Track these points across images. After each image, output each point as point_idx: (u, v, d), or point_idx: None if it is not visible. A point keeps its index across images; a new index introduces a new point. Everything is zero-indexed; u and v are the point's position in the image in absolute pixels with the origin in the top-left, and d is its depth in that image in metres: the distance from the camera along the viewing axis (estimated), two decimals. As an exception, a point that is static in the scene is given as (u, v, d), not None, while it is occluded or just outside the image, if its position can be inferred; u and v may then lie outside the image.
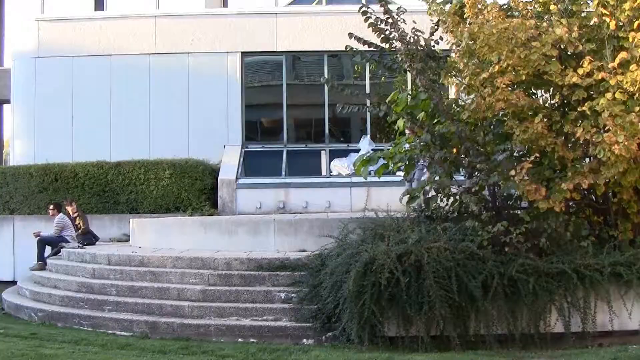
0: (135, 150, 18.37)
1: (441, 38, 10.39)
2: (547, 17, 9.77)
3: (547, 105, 9.87)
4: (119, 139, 19.33)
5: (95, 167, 17.63)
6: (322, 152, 19.04)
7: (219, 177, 17.69)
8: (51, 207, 15.61)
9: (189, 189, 17.35)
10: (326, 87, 19.04)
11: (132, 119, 19.49)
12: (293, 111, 19.71)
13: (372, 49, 10.54)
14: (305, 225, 12.28)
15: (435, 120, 10.39)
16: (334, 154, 18.78)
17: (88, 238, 15.34)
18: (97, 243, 15.45)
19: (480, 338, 8.88)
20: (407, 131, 11.27)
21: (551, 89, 9.84)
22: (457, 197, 9.97)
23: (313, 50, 19.67)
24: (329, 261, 9.78)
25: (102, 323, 10.66)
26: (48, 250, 15.00)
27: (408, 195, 10.39)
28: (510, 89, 9.41)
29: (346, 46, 10.56)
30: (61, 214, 15.42)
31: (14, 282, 15.26)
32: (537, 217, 9.18)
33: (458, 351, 8.62)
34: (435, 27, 10.42)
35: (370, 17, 10.20)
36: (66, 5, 24.01)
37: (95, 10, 24.18)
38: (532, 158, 9.19)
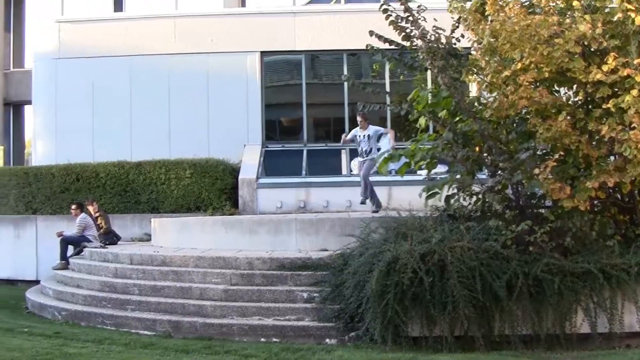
0: (156, 150, 18.43)
1: (462, 36, 10.33)
2: (569, 13, 9.63)
3: (570, 102, 9.77)
4: (140, 138, 19.42)
5: (117, 167, 17.70)
6: (343, 151, 18.94)
7: (240, 177, 17.70)
8: (74, 206, 15.68)
9: (210, 188, 17.36)
10: (346, 86, 19.08)
11: (152, 118, 19.60)
12: (313, 110, 19.70)
13: (393, 47, 10.50)
14: (326, 224, 12.25)
15: (457, 119, 10.31)
16: (354, 153, 18.66)
17: (110, 237, 15.40)
18: (118, 242, 15.51)
19: (504, 338, 8.80)
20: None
21: (575, 86, 9.73)
22: (480, 196, 9.90)
23: (332, 49, 19.64)
24: (351, 261, 9.73)
25: (125, 322, 10.69)
26: (71, 249, 15.09)
27: (427, 191, 10.32)
28: (533, 86, 9.31)
29: (367, 44, 10.54)
30: (83, 214, 15.50)
31: (37, 282, 15.37)
32: (561, 216, 9.09)
33: (482, 352, 8.57)
34: (456, 24, 10.36)
35: (391, 15, 10.16)
36: (86, 7, 24.14)
37: (114, 11, 24.26)
38: (556, 156, 9.10)
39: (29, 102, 22.29)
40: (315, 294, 10.07)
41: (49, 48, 20.39)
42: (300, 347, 8.99)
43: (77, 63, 19.96)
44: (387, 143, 17.21)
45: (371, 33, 10.30)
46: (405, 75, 18.98)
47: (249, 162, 18.23)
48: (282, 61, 20.39)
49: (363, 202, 14.29)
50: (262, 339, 9.62)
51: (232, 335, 9.78)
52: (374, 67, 19.95)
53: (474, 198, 10.02)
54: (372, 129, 14.27)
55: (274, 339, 9.58)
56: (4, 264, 18.01)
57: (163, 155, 18.00)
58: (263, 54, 19.76)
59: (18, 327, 11.05)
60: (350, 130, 17.13)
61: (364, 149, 14.21)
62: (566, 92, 9.97)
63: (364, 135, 14.20)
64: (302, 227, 12.35)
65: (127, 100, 19.73)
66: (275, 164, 18.58)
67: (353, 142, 14.62)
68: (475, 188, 9.97)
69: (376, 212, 13.79)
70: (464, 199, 10.10)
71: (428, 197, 10.24)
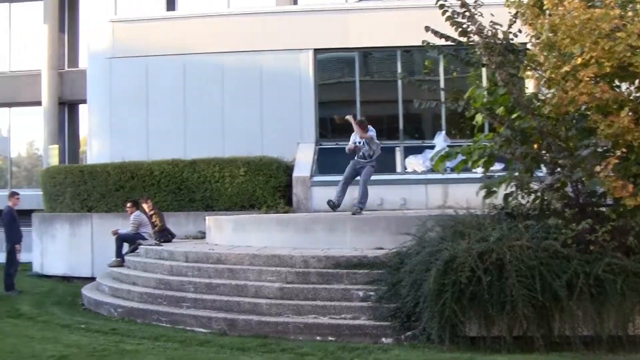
0: (209, 148, 18.53)
1: (520, 31, 10.14)
2: (631, 6, 9.38)
3: (632, 98, 9.51)
4: (193, 137, 19.59)
5: (171, 165, 17.78)
6: (397, 148, 18.76)
7: (294, 175, 17.67)
8: (129, 204, 15.86)
9: (264, 186, 17.35)
10: (400, 83, 18.95)
11: (205, 117, 19.74)
12: (366, 108, 19.52)
13: (449, 42, 10.38)
14: (381, 222, 12.16)
15: (515, 115, 10.15)
16: (408, 151, 18.56)
17: (164, 235, 15.47)
18: (173, 240, 15.58)
19: (565, 339, 8.62)
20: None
21: (637, 81, 9.47)
22: (539, 194, 9.72)
23: (386, 46, 19.51)
24: (407, 259, 9.64)
25: (180, 319, 10.75)
26: (126, 247, 15.28)
27: (485, 190, 10.18)
28: (593, 82, 9.07)
29: (423, 40, 10.42)
30: (137, 212, 15.67)
31: (92, 279, 15.54)
32: (623, 215, 8.85)
33: (542, 352, 8.41)
34: (514, 19, 10.17)
35: (447, 11, 10.04)
36: (138, 6, 24.48)
37: (167, 10, 24.55)
38: (618, 153, 8.86)
39: (84, 101, 22.61)
40: (371, 293, 10.00)
41: (102, 48, 20.68)
42: (356, 346, 8.95)
43: (131, 62, 20.21)
44: (442, 141, 17.10)
45: (427, 29, 10.18)
46: (459, 71, 18.73)
47: (303, 160, 18.19)
48: (335, 59, 20.32)
49: (334, 207, 13.99)
50: (318, 338, 9.58)
51: (287, 333, 9.77)
52: (426, 64, 19.73)
53: (533, 196, 9.84)
54: (370, 132, 14.08)
55: (330, 338, 9.54)
56: (60, 261, 18.34)
57: (217, 153, 18.05)
58: (316, 51, 19.68)
59: (75, 323, 11.24)
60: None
61: (366, 154, 14.07)
62: (628, 88, 9.70)
63: (364, 141, 14.04)
64: (357, 225, 12.29)
65: (181, 98, 19.92)
66: (329, 162, 18.44)
67: (357, 147, 14.35)
68: (534, 186, 9.79)
69: (359, 212, 13.70)
70: (522, 197, 9.93)
71: (486, 196, 10.09)
